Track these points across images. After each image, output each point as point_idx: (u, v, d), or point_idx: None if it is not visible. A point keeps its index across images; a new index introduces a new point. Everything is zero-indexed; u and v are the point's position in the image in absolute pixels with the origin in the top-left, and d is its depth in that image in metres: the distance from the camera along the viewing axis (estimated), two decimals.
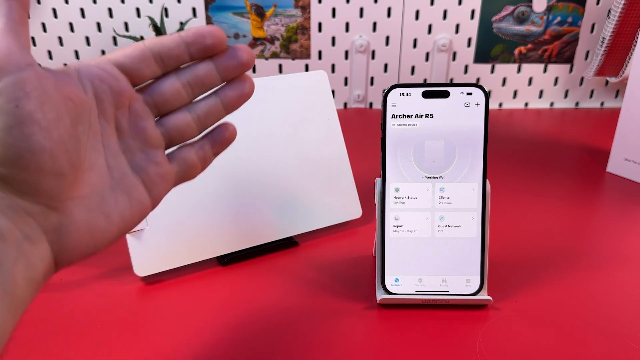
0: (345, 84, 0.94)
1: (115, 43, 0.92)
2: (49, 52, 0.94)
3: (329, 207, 0.51)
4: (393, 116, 0.39)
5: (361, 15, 0.89)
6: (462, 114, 0.39)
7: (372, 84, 0.94)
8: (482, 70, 0.93)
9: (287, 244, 0.49)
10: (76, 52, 0.93)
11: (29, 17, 0.25)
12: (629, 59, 0.81)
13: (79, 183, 0.25)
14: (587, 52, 0.91)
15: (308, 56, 0.92)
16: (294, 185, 0.50)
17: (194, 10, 0.90)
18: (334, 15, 0.89)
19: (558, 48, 0.91)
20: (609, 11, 0.86)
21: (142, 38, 0.89)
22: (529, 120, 0.89)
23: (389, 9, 0.89)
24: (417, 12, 0.89)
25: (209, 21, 0.90)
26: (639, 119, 0.61)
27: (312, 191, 0.51)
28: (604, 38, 0.80)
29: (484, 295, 0.40)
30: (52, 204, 0.24)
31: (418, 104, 0.39)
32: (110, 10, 0.90)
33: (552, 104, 0.96)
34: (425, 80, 0.93)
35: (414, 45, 0.91)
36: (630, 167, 0.63)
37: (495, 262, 0.45)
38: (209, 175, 0.46)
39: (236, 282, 0.44)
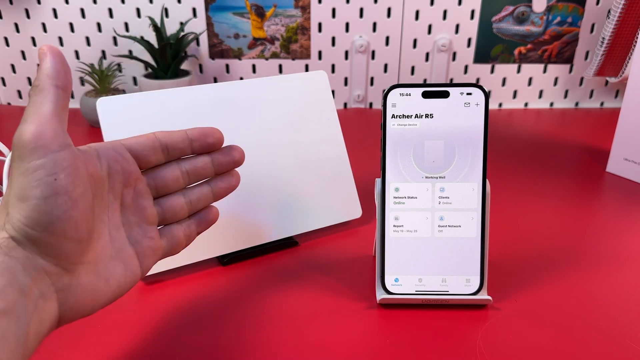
0: (345, 84, 0.94)
1: (115, 43, 0.93)
2: None
3: (329, 207, 0.51)
4: (393, 116, 0.39)
5: (361, 15, 0.89)
6: (462, 114, 0.39)
7: (372, 84, 0.94)
8: (482, 71, 0.93)
9: (287, 244, 0.49)
10: (76, 52, 0.93)
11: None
12: (629, 59, 0.81)
13: (89, 250, 0.28)
14: (587, 52, 0.91)
15: (308, 56, 0.92)
16: (294, 185, 0.50)
17: (194, 10, 0.90)
18: (334, 15, 0.89)
19: (558, 48, 0.91)
20: (609, 11, 0.86)
21: (142, 38, 0.89)
22: (528, 120, 0.89)
23: (389, 9, 0.89)
24: (417, 12, 0.89)
25: (209, 21, 0.90)
26: (638, 119, 0.61)
27: (312, 191, 0.51)
28: (603, 38, 0.80)
29: (483, 295, 0.40)
30: (67, 266, 0.27)
31: (418, 104, 0.39)
32: (110, 10, 0.90)
33: (552, 104, 0.96)
34: (425, 80, 0.93)
35: (414, 46, 0.91)
36: (630, 167, 0.63)
37: (495, 262, 0.46)
38: None
39: (236, 282, 0.44)
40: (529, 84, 0.94)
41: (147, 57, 0.89)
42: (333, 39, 0.91)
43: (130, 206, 0.32)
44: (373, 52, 0.92)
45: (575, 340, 0.37)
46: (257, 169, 0.48)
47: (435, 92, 0.39)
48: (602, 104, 0.96)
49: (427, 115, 0.39)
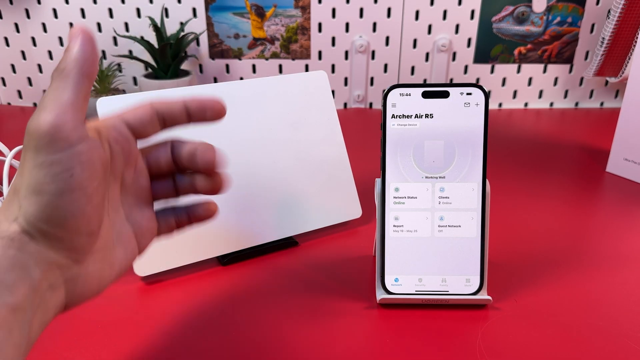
0: (345, 84, 0.94)
1: (115, 43, 0.93)
2: (49, 52, 0.94)
3: (329, 207, 0.51)
4: (393, 116, 0.39)
5: (361, 15, 0.89)
6: (462, 114, 0.39)
7: (372, 84, 0.94)
8: (481, 71, 0.93)
9: (287, 244, 0.49)
10: None
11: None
12: (629, 59, 0.81)
13: (97, 239, 0.28)
14: (587, 52, 0.91)
15: (308, 56, 0.92)
16: (294, 185, 0.50)
17: (194, 10, 0.90)
18: (334, 15, 0.89)
19: (558, 48, 0.91)
20: (609, 11, 0.86)
21: (142, 38, 0.89)
22: (528, 120, 0.89)
23: (389, 9, 0.89)
24: (417, 12, 0.89)
25: (209, 21, 0.90)
26: (638, 119, 0.61)
27: (312, 191, 0.51)
28: (603, 38, 0.80)
29: (483, 295, 0.40)
30: (77, 257, 0.27)
31: (418, 104, 0.39)
32: (110, 10, 0.90)
33: (551, 104, 0.96)
34: (425, 80, 0.93)
35: (414, 46, 0.91)
36: (630, 167, 0.63)
37: (495, 262, 0.46)
38: None
39: (236, 282, 0.44)
40: (529, 84, 0.94)
41: (147, 57, 0.89)
42: (333, 39, 0.91)
43: (130, 186, 0.31)
44: (373, 52, 0.92)
45: (575, 340, 0.37)
46: (257, 169, 0.48)
47: (435, 92, 0.39)
48: (602, 104, 0.96)
49: (427, 115, 0.39)
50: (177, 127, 0.32)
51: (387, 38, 0.91)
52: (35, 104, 0.98)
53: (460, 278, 0.40)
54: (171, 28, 0.90)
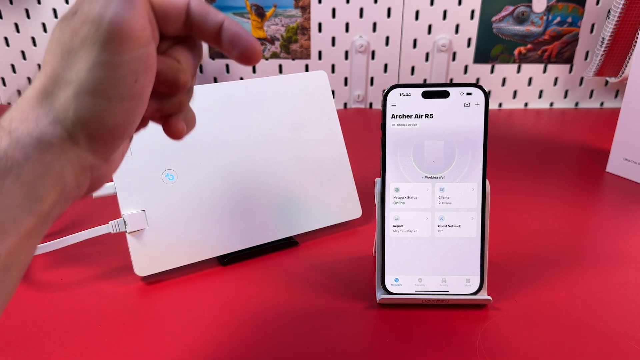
0: (345, 84, 0.94)
1: None
2: None
3: (329, 207, 0.51)
4: (393, 116, 0.39)
5: (361, 15, 0.89)
6: (462, 114, 0.39)
7: (372, 84, 0.94)
8: (481, 71, 0.93)
9: (287, 244, 0.49)
10: None
11: None
12: (629, 59, 0.81)
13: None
14: (587, 52, 0.91)
15: (308, 56, 0.92)
16: (294, 185, 0.50)
17: None
18: (334, 15, 0.89)
19: (558, 48, 0.91)
20: (609, 11, 0.86)
21: None
22: (528, 120, 0.89)
23: (389, 9, 0.89)
24: (417, 13, 0.89)
25: None
26: (638, 119, 0.61)
27: (312, 191, 0.51)
28: (603, 38, 0.80)
29: (483, 295, 0.40)
30: (110, 157, 0.25)
31: (418, 104, 0.39)
32: None
33: (551, 104, 0.96)
34: (425, 80, 0.93)
35: (414, 46, 0.91)
36: (630, 167, 0.63)
37: (495, 262, 0.46)
38: (209, 175, 0.46)
39: (236, 282, 0.44)
40: (529, 84, 0.94)
41: None
42: (333, 39, 0.91)
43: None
44: (373, 52, 0.92)
45: (575, 340, 0.37)
46: (257, 168, 0.48)
47: (435, 92, 0.39)
48: (602, 104, 0.96)
49: (427, 115, 0.39)
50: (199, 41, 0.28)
51: (387, 38, 0.91)
52: None
53: (460, 278, 0.40)
54: None
